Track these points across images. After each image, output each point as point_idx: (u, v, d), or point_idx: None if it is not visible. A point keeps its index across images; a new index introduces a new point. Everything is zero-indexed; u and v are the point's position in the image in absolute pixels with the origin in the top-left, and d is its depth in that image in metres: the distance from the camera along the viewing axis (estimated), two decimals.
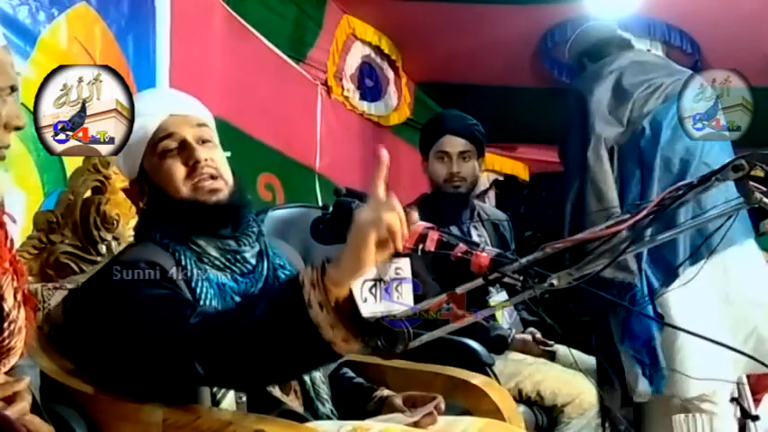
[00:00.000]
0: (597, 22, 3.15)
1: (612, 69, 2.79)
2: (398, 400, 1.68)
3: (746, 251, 2.55)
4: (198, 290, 1.53)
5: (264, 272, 1.64)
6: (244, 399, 1.54)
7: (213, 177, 1.59)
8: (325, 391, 1.67)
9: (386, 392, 1.73)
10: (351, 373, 1.84)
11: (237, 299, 1.56)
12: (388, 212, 1.25)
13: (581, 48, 3.01)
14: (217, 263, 1.59)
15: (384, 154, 1.27)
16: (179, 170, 1.59)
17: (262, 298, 1.48)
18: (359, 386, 1.79)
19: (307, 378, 1.64)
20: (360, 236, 1.24)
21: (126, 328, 1.45)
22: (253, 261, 1.64)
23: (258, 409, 1.52)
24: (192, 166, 1.58)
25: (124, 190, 1.73)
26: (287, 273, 1.67)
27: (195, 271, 1.55)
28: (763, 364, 1.74)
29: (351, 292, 1.29)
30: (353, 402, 1.73)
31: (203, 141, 1.62)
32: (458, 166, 2.74)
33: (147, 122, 1.61)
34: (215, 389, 1.50)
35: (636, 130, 2.66)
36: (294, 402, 1.61)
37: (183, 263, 1.56)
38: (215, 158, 1.61)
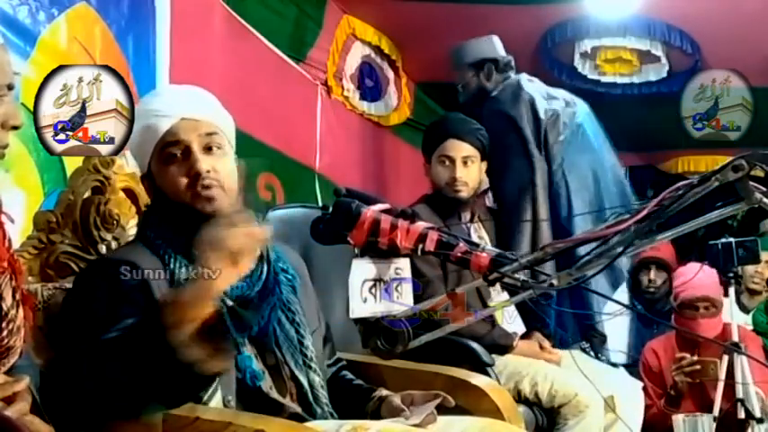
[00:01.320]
0: (479, 40, 3.45)
1: (526, 93, 3.12)
2: (397, 400, 1.68)
3: None
4: None
5: (264, 275, 1.63)
6: (232, 401, 1.53)
7: (213, 187, 1.59)
8: (323, 395, 1.67)
9: (384, 392, 1.73)
10: (350, 375, 1.84)
11: (230, 303, 1.56)
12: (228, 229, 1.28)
13: (470, 60, 3.33)
14: None
15: None
16: (181, 179, 1.59)
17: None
18: (358, 387, 1.79)
19: (304, 381, 1.63)
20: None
21: (64, 329, 1.51)
22: (251, 265, 1.64)
23: (258, 411, 1.52)
24: (194, 177, 1.58)
25: (142, 180, 1.72)
26: (289, 277, 1.67)
27: (183, 273, 1.54)
28: None
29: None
30: (353, 404, 1.73)
31: (210, 149, 1.61)
32: (461, 171, 2.73)
33: (159, 123, 1.61)
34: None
35: (552, 157, 3.05)
36: (291, 405, 1.61)
37: (171, 266, 1.56)
38: (219, 168, 1.60)
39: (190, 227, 1.52)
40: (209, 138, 1.62)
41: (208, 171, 1.58)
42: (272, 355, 1.62)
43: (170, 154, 1.60)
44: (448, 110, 5.20)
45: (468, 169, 2.75)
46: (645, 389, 3.22)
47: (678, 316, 3.29)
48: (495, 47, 3.39)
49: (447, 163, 2.75)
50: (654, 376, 3.29)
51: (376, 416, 1.68)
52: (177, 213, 1.59)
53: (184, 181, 1.59)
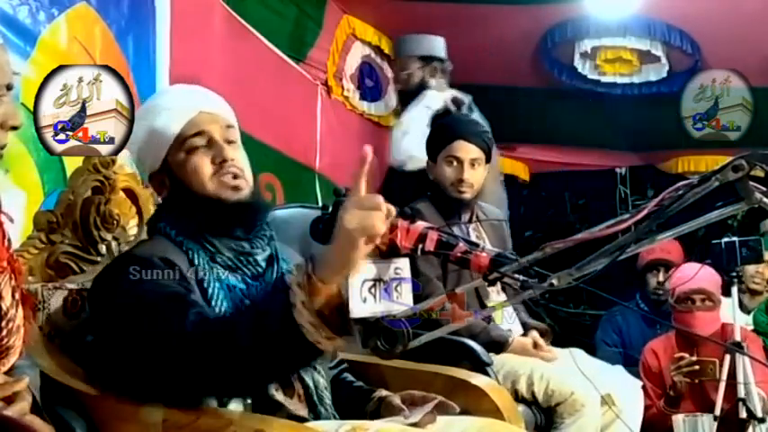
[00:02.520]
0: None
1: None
2: (397, 400, 1.69)
3: None
4: (210, 290, 1.55)
5: (273, 276, 1.65)
6: (249, 401, 1.54)
7: (237, 177, 1.61)
8: (327, 396, 1.68)
9: (384, 393, 1.74)
10: (351, 378, 1.84)
11: (247, 302, 1.57)
12: (373, 211, 1.26)
13: (421, 53, 3.61)
14: (229, 263, 1.60)
15: (368, 151, 1.27)
16: (206, 166, 1.61)
17: (252, 303, 1.48)
18: (358, 389, 1.79)
19: (310, 382, 1.64)
20: (346, 237, 1.25)
21: (132, 326, 1.46)
22: (263, 264, 1.65)
23: (261, 412, 1.53)
24: (219, 164, 1.60)
25: (150, 179, 1.72)
26: None
27: (207, 271, 1.56)
28: None
29: (339, 290, 1.30)
30: (353, 405, 1.73)
31: (229, 142, 1.64)
32: (468, 173, 2.74)
33: (175, 117, 1.63)
34: None
35: None
36: (298, 405, 1.61)
37: (196, 262, 1.57)
38: (240, 159, 1.64)
39: (212, 218, 1.57)
40: (228, 131, 1.65)
41: (232, 159, 1.61)
42: None
43: (194, 145, 1.62)
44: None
45: (475, 171, 2.76)
46: (644, 389, 3.23)
47: (676, 312, 3.29)
48: (443, 48, 3.56)
49: (454, 164, 2.76)
50: (654, 377, 3.29)
51: (375, 416, 1.68)
52: (199, 206, 1.60)
53: (210, 169, 1.60)
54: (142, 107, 1.72)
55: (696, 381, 3.09)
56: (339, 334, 1.30)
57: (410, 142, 3.24)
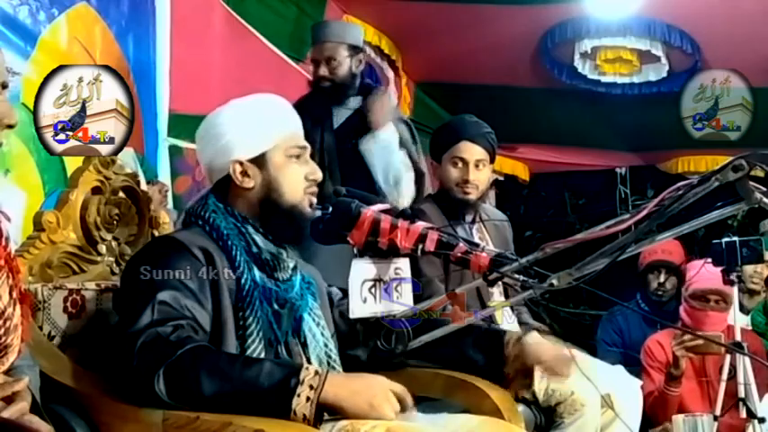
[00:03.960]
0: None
1: None
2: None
3: None
4: (245, 288, 1.57)
5: (297, 285, 1.68)
6: None
7: (314, 194, 1.68)
8: None
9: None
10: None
11: (276, 306, 1.60)
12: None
13: (352, 41, 3.19)
14: (266, 265, 1.63)
15: None
16: (301, 178, 1.67)
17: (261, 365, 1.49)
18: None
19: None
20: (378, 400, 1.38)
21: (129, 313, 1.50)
22: (290, 272, 1.69)
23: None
24: (311, 180, 1.68)
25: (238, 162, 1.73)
26: (313, 291, 1.72)
27: (245, 268, 1.59)
28: None
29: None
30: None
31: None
32: (473, 174, 2.74)
33: (287, 122, 1.72)
34: None
35: None
36: None
37: (237, 259, 1.59)
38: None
39: (289, 226, 1.65)
40: (306, 151, 1.72)
41: (317, 180, 1.69)
42: (298, 355, 1.64)
43: (296, 154, 1.68)
44: (448, 110, 5.23)
45: (480, 172, 2.76)
46: (646, 373, 3.25)
47: (687, 307, 3.29)
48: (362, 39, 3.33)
49: (460, 165, 2.76)
50: (658, 366, 3.29)
51: None
52: (282, 210, 1.65)
53: (304, 182, 1.67)
54: (243, 100, 1.77)
55: (699, 355, 3.09)
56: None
57: (407, 185, 3.14)
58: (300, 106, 2.93)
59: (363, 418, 1.34)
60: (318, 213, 1.66)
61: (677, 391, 3.12)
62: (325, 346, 1.68)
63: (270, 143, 1.66)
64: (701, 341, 3.03)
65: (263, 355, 1.55)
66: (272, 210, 1.64)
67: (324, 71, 3.07)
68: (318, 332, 1.68)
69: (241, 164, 1.66)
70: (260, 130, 1.68)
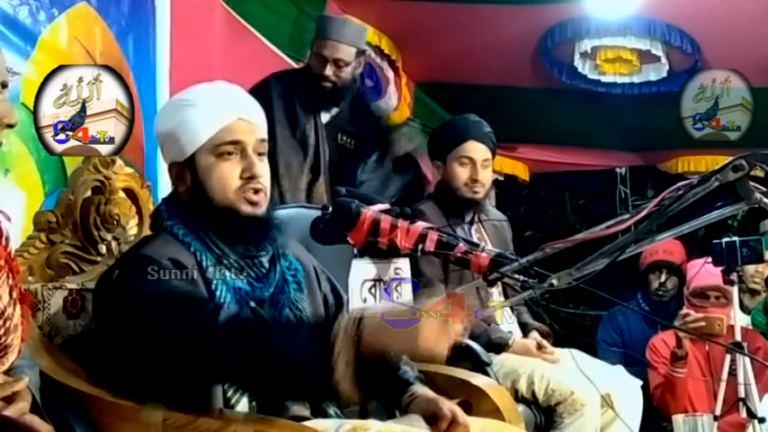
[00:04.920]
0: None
1: None
2: (418, 414, 1.67)
3: None
4: (217, 292, 1.55)
5: (276, 276, 1.65)
6: (254, 404, 1.56)
7: (260, 192, 1.61)
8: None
9: (419, 390, 1.71)
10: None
11: (252, 304, 1.58)
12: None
13: (361, 45, 3.14)
14: (235, 265, 1.61)
15: None
16: (233, 177, 1.59)
17: (297, 330, 1.49)
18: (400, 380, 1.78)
19: None
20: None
21: (148, 324, 1.46)
22: (267, 265, 1.66)
23: (265, 413, 1.54)
24: (247, 179, 1.59)
25: (170, 167, 1.68)
26: (293, 273, 1.68)
27: (214, 273, 1.57)
28: None
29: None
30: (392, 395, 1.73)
31: (260, 155, 1.63)
32: (480, 173, 2.77)
33: (213, 118, 1.59)
34: (229, 393, 1.52)
35: None
36: (302, 406, 1.62)
37: (204, 264, 1.57)
38: (266, 174, 1.63)
39: (226, 228, 1.58)
40: (261, 144, 1.63)
41: (261, 176, 1.60)
42: None
43: (226, 152, 1.59)
44: (448, 110, 5.23)
45: (486, 171, 2.81)
46: (652, 369, 3.27)
47: (689, 305, 3.30)
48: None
49: (467, 164, 2.78)
50: (665, 361, 3.30)
51: (407, 410, 1.68)
52: (216, 212, 1.60)
53: (237, 181, 1.59)
54: (179, 94, 1.69)
55: (702, 337, 3.10)
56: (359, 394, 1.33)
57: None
58: (289, 93, 2.89)
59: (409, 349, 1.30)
60: (260, 211, 1.61)
61: (682, 373, 3.16)
62: None
63: (195, 144, 1.59)
64: (703, 322, 3.06)
65: None
66: (212, 213, 1.60)
67: (330, 71, 2.97)
68: None
69: (176, 166, 1.63)
70: (184, 130, 1.60)
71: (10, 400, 1.28)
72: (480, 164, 2.78)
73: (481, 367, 2.35)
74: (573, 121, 5.41)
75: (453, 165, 2.79)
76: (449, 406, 1.63)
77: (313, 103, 3.03)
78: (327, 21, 3.15)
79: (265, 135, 1.66)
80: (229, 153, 1.59)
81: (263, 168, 1.62)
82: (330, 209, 1.66)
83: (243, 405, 1.54)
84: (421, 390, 1.71)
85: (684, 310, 3.20)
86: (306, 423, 1.52)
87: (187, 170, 1.62)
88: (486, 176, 2.81)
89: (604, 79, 4.91)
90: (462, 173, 2.77)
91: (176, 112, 1.63)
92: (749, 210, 1.41)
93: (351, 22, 3.21)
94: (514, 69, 4.99)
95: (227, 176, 1.59)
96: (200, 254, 1.58)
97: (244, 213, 1.59)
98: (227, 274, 1.58)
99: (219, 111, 1.60)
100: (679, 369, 3.18)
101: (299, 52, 4.22)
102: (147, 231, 1.94)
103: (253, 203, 1.59)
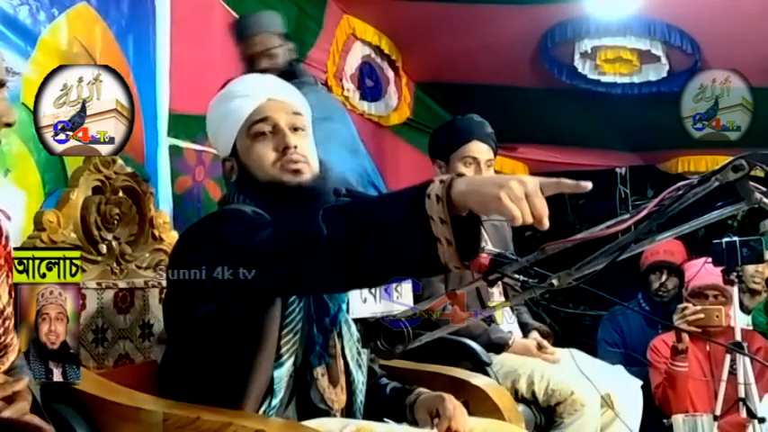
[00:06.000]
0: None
1: None
2: (424, 411, 1.68)
3: None
4: None
5: None
6: (289, 414, 1.58)
7: (300, 162, 1.63)
8: (361, 391, 1.70)
9: (424, 391, 1.73)
10: (386, 380, 1.84)
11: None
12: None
13: (281, 30, 3.16)
14: None
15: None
16: (269, 154, 1.64)
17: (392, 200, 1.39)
18: (400, 387, 1.80)
19: (356, 376, 1.67)
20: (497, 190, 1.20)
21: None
22: None
23: (302, 409, 1.59)
24: (282, 151, 1.63)
25: (223, 162, 1.74)
26: None
27: None
28: None
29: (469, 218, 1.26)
30: (394, 401, 1.74)
31: (295, 129, 1.67)
32: (484, 173, 2.78)
33: (245, 104, 1.67)
34: (265, 406, 1.53)
35: None
36: (340, 396, 1.64)
37: None
38: (304, 146, 1.67)
39: (276, 201, 1.60)
40: (295, 117, 1.68)
41: (296, 147, 1.63)
42: (333, 345, 1.64)
43: (259, 131, 1.65)
44: (448, 110, 5.23)
45: (489, 171, 2.81)
46: (653, 368, 3.27)
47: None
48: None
49: (472, 164, 2.78)
50: (665, 360, 3.31)
51: (411, 410, 1.69)
52: (263, 189, 1.64)
53: (273, 155, 1.64)
54: (218, 94, 1.77)
55: (701, 329, 3.10)
56: (461, 257, 1.25)
57: None
58: None
59: (493, 205, 1.21)
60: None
61: (683, 367, 3.16)
62: (358, 342, 1.68)
63: (233, 133, 1.67)
64: (701, 315, 3.09)
65: (299, 327, 1.55)
66: (260, 191, 1.64)
67: (266, 64, 2.99)
68: (354, 328, 1.68)
69: (223, 162, 1.71)
70: (221, 126, 1.70)
71: (10, 400, 1.28)
72: (484, 164, 2.79)
73: (481, 367, 2.35)
74: (573, 121, 5.41)
75: (457, 165, 2.80)
76: (454, 404, 1.65)
77: None
78: (241, 23, 3.23)
79: (300, 110, 1.71)
80: (263, 133, 1.65)
81: (300, 140, 1.66)
82: None
83: (277, 400, 1.54)
84: (426, 390, 1.73)
85: (683, 305, 3.21)
86: (308, 423, 1.52)
87: (234, 160, 1.69)
88: None
89: (604, 79, 4.91)
90: (467, 173, 2.78)
91: (217, 110, 1.72)
92: (749, 210, 1.41)
93: (259, 13, 3.27)
94: (514, 69, 4.99)
95: (263, 154, 1.64)
96: None
97: (288, 184, 1.62)
98: None
99: (250, 95, 1.68)
100: (680, 363, 3.19)
101: (298, 52, 4.22)
102: (147, 231, 1.95)
103: (294, 172, 1.62)
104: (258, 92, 1.69)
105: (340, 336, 1.66)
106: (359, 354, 1.69)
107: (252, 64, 3.03)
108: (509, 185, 1.20)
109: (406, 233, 1.24)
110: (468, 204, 1.23)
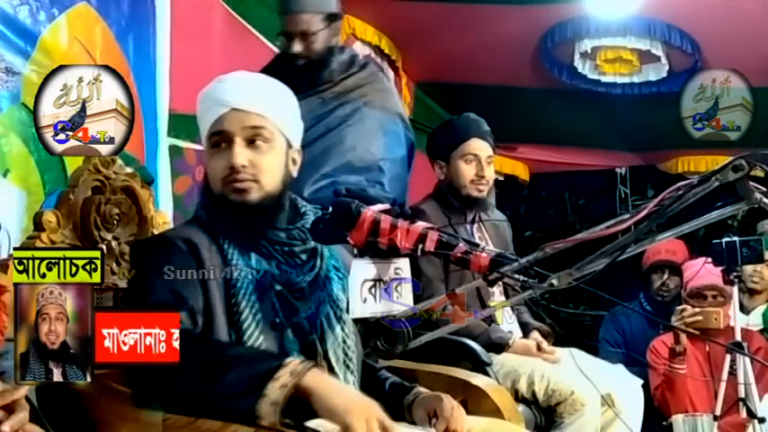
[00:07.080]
0: None
1: None
2: (422, 411, 1.68)
3: None
4: (233, 273, 1.58)
5: (317, 269, 1.67)
6: None
7: (245, 181, 1.62)
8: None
9: (422, 390, 1.73)
10: (387, 374, 1.84)
11: (278, 287, 1.60)
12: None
13: (328, 9, 2.76)
14: (263, 251, 1.63)
15: None
16: (220, 169, 1.63)
17: (242, 357, 1.48)
18: (398, 384, 1.79)
19: (341, 379, 1.66)
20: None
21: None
22: (303, 257, 1.67)
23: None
24: (230, 169, 1.61)
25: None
26: (340, 275, 1.70)
27: (234, 255, 1.60)
28: None
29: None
30: (393, 399, 1.73)
31: (253, 142, 1.63)
32: (485, 170, 2.79)
33: (208, 112, 1.66)
34: None
35: None
36: None
37: (225, 246, 1.61)
38: (258, 162, 1.62)
39: (222, 215, 1.62)
40: (254, 131, 1.63)
41: (243, 166, 1.61)
42: (313, 348, 1.64)
43: (216, 142, 1.64)
44: (448, 110, 5.23)
45: (489, 169, 2.83)
46: (653, 369, 3.27)
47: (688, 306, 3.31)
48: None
49: (472, 161, 2.79)
50: (664, 361, 3.31)
51: (410, 410, 1.69)
52: (215, 200, 1.65)
53: (222, 171, 1.62)
54: (200, 93, 1.73)
55: (699, 331, 3.11)
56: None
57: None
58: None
59: (334, 421, 1.31)
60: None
61: (681, 369, 3.16)
62: (344, 342, 1.67)
63: (203, 136, 1.68)
64: (699, 317, 3.10)
65: (260, 338, 1.55)
66: (210, 202, 1.67)
67: (298, 48, 2.67)
68: (339, 327, 1.67)
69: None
70: (199, 122, 1.70)
71: (10, 409, 1.27)
72: (485, 160, 2.81)
73: (481, 367, 2.35)
74: (573, 121, 5.42)
75: (458, 162, 2.81)
76: (452, 404, 1.65)
77: (293, 88, 2.68)
78: None
79: (263, 122, 1.64)
80: (220, 144, 1.63)
81: (251, 156, 1.62)
82: (330, 209, 1.66)
83: None
84: (424, 389, 1.73)
85: (681, 306, 3.21)
86: (309, 423, 1.52)
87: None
88: (491, 173, 2.84)
89: (604, 79, 4.91)
90: (468, 170, 2.79)
91: (197, 109, 1.71)
92: (749, 210, 1.41)
93: None
94: (514, 69, 4.99)
95: (214, 168, 1.64)
96: (222, 238, 1.62)
97: (234, 201, 1.62)
98: (254, 256, 1.61)
99: (215, 102, 1.65)
100: (678, 365, 3.19)
101: None
102: (147, 231, 1.95)
103: (238, 191, 1.61)
104: (224, 99, 1.64)
105: (322, 339, 1.64)
106: (345, 355, 1.67)
107: (287, 42, 2.72)
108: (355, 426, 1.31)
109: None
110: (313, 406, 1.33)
